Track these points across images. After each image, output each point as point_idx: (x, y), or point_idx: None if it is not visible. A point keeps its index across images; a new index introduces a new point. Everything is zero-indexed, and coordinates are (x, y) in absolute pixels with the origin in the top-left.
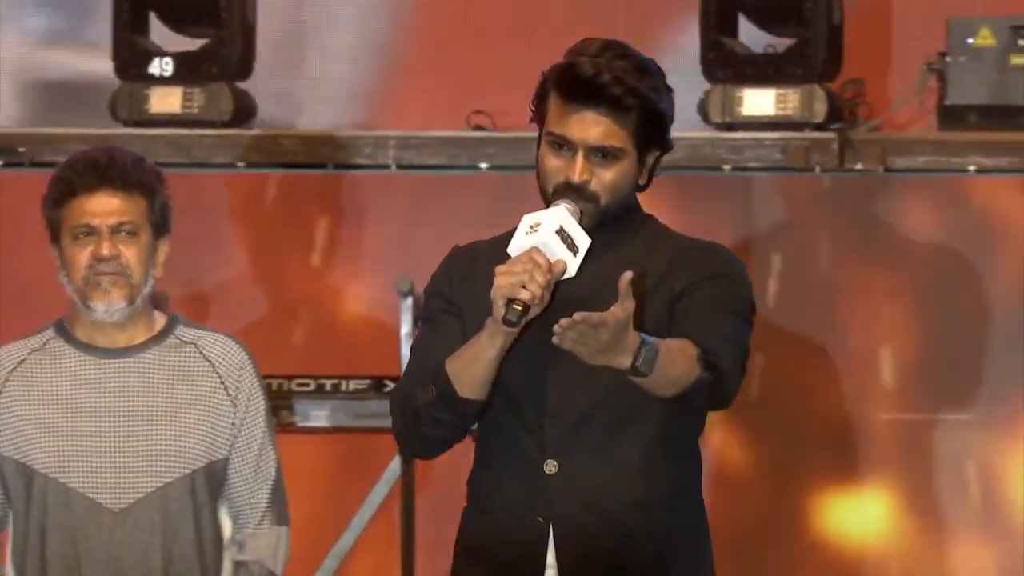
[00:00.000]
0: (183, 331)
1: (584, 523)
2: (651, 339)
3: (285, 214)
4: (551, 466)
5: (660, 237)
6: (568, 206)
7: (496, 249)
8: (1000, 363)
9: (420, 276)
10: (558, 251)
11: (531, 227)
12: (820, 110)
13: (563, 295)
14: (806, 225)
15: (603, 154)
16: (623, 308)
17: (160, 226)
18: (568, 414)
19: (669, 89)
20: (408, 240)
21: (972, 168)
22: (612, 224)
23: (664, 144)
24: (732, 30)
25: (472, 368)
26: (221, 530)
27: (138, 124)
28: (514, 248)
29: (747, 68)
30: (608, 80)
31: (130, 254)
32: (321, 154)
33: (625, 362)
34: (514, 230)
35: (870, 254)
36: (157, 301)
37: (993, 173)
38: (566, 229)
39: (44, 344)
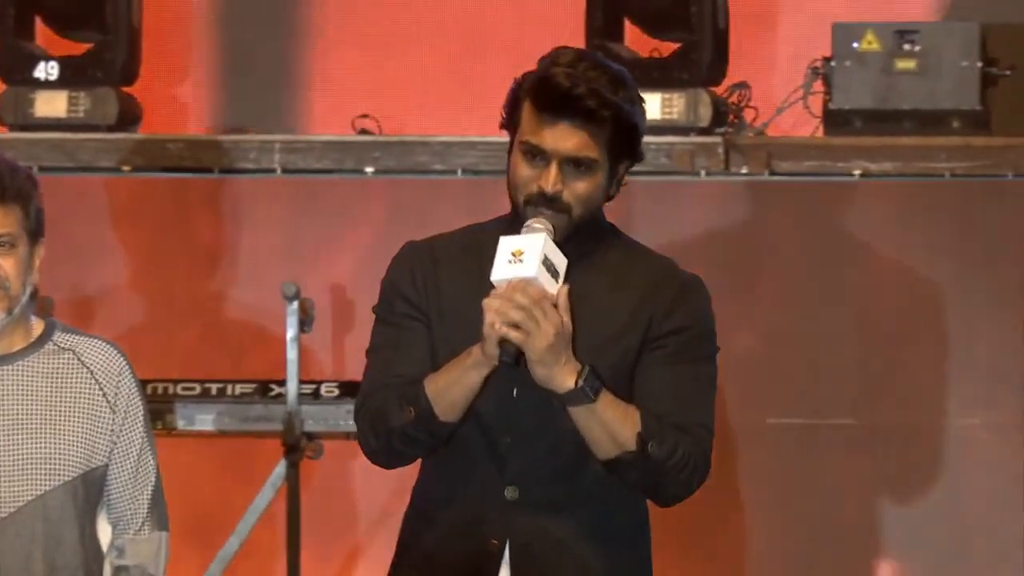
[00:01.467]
0: (61, 337)
1: (540, 551)
2: (598, 374)
3: (170, 218)
4: (511, 492)
5: (634, 253)
6: (546, 226)
7: (458, 250)
8: (885, 367)
9: (306, 280)
10: (545, 284)
11: (513, 255)
12: (705, 114)
13: None
14: (691, 229)
15: (577, 165)
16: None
17: (35, 232)
18: (536, 443)
19: (641, 99)
20: (294, 245)
21: (857, 173)
22: (583, 234)
23: (635, 154)
24: (617, 34)
25: (453, 391)
26: (100, 537)
27: (23, 128)
28: (498, 278)
29: (632, 72)
30: (584, 92)
31: (8, 266)
32: (206, 158)
33: (568, 382)
34: (470, 227)
35: (754, 258)
36: (41, 306)
37: (878, 178)
38: (550, 258)
39: None
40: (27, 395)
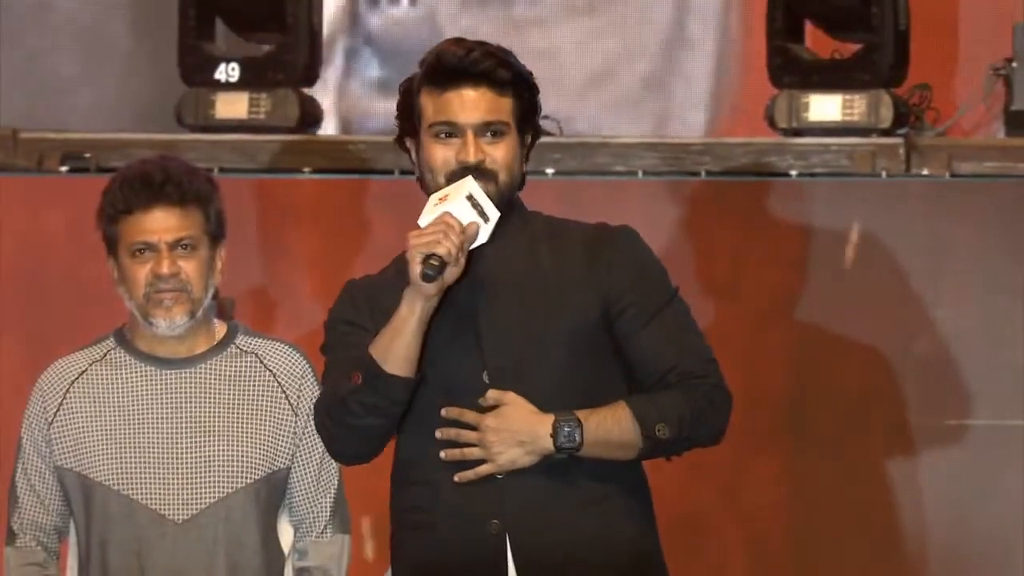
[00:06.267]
0: (243, 340)
1: (540, 527)
2: (569, 414)
3: (351, 220)
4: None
5: (561, 223)
6: (475, 180)
7: (393, 274)
8: None
9: None
10: (469, 216)
11: (439, 200)
12: (886, 115)
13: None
14: (872, 231)
15: (492, 131)
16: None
17: (216, 235)
18: None
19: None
20: None
21: None
22: (510, 213)
23: (537, 128)
24: (798, 36)
25: (396, 342)
26: (281, 539)
27: (204, 130)
28: (424, 220)
29: (813, 74)
30: (479, 55)
31: (190, 269)
32: (387, 160)
33: (548, 445)
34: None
35: (935, 260)
36: (222, 307)
37: None
38: (475, 197)
39: (105, 355)
40: (211, 397)
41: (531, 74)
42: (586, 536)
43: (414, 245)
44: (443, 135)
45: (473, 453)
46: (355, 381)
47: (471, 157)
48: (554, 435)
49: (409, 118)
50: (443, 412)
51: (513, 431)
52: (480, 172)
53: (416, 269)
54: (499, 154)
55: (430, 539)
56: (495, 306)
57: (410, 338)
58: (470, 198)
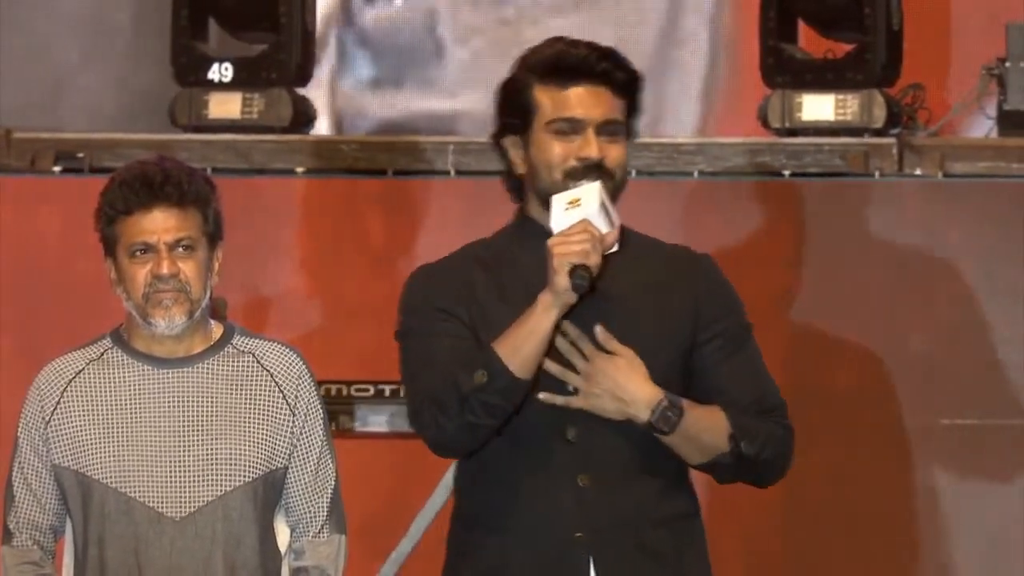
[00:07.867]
0: (240, 340)
1: (621, 540)
2: (678, 400)
3: (344, 220)
4: (584, 479)
5: (646, 243)
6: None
7: (478, 266)
8: None
9: None
10: (605, 226)
11: (570, 203)
12: (879, 115)
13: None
14: (865, 231)
15: (611, 130)
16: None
17: (214, 236)
18: (602, 427)
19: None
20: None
21: None
22: None
23: (635, 129)
24: (791, 35)
25: (526, 345)
26: (278, 538)
27: (197, 129)
28: (558, 224)
29: (806, 74)
30: (600, 55)
31: (189, 269)
32: (380, 160)
33: (643, 415)
34: (472, 245)
35: (929, 260)
36: (215, 308)
37: None
38: (606, 204)
39: (102, 354)
40: (208, 397)
41: (642, 77)
42: (665, 553)
43: (563, 254)
44: (563, 131)
45: (574, 402)
46: (479, 380)
47: (594, 153)
48: (654, 410)
49: (518, 115)
50: (541, 396)
51: (619, 383)
52: (600, 170)
53: (564, 280)
54: (615, 154)
55: (507, 541)
56: (598, 314)
57: (541, 341)
58: (602, 205)
